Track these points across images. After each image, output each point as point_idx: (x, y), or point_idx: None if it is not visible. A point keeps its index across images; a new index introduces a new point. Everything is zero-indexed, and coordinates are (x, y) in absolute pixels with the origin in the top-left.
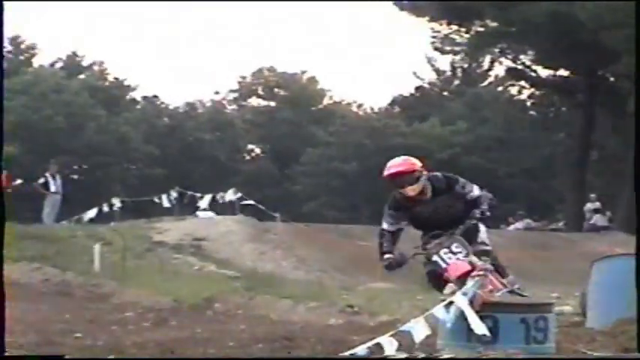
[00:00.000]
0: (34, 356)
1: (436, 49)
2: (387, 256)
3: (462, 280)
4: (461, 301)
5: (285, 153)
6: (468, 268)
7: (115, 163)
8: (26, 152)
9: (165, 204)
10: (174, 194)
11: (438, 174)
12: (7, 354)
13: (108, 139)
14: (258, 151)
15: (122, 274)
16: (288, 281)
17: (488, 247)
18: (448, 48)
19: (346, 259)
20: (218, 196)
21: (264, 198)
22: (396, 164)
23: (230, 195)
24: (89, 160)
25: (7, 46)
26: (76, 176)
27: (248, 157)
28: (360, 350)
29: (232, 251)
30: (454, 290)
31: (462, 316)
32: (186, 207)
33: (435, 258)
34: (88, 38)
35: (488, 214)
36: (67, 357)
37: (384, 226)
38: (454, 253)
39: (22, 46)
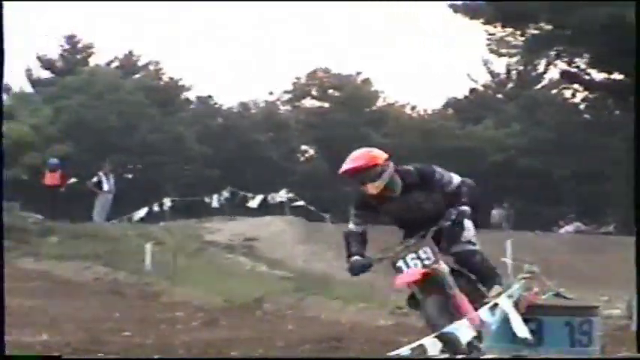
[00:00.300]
0: (35, 356)
1: (491, 51)
2: (353, 258)
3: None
4: (506, 303)
5: (338, 154)
6: (417, 277)
7: (169, 162)
8: (81, 151)
9: (215, 204)
10: (225, 194)
11: (410, 167)
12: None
13: (162, 138)
14: (312, 152)
15: (173, 273)
16: (339, 282)
17: (474, 247)
18: (503, 50)
19: None
20: (269, 197)
21: (317, 199)
22: (352, 158)
23: (281, 195)
24: (143, 159)
25: (64, 45)
26: (130, 175)
27: (302, 158)
28: (404, 351)
29: (284, 252)
30: (499, 292)
31: (506, 319)
32: (238, 207)
33: (399, 263)
34: (143, 37)
35: (468, 212)
36: (64, 357)
37: (350, 226)
38: (421, 259)
39: (79, 46)
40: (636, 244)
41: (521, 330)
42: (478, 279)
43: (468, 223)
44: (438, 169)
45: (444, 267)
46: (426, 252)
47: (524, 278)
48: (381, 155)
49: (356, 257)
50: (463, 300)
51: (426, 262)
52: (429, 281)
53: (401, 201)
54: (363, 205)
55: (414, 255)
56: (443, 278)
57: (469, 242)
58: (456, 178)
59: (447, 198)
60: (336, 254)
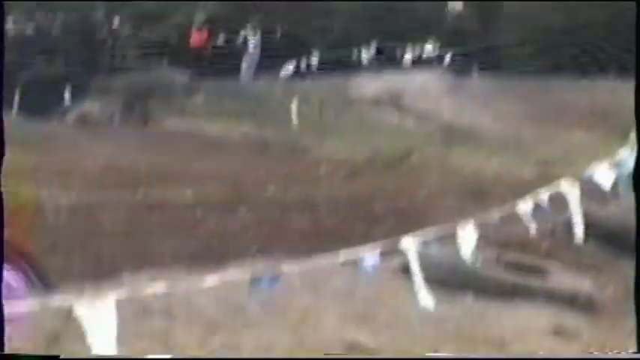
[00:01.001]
0: (34, 356)
1: None
2: None
3: None
4: None
5: (488, 5)
6: None
7: (316, 17)
8: (227, 10)
9: (363, 59)
10: (373, 48)
11: None
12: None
13: None
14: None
15: (319, 129)
16: (485, 134)
17: None
18: None
19: (547, 111)
20: (418, 51)
21: (466, 51)
22: None
23: (429, 49)
24: (289, 16)
25: None
26: (277, 33)
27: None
28: (542, 195)
29: (431, 105)
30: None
31: None
32: (385, 61)
33: None
34: None
35: None
36: (64, 357)
37: None
38: None
39: None
40: (636, 242)
41: None
42: None
43: None
44: None
45: None
46: None
47: None
48: None
49: None
50: None
51: None
52: None
53: None
54: None
55: None
56: None
57: None
58: None
59: None
60: (483, 106)
